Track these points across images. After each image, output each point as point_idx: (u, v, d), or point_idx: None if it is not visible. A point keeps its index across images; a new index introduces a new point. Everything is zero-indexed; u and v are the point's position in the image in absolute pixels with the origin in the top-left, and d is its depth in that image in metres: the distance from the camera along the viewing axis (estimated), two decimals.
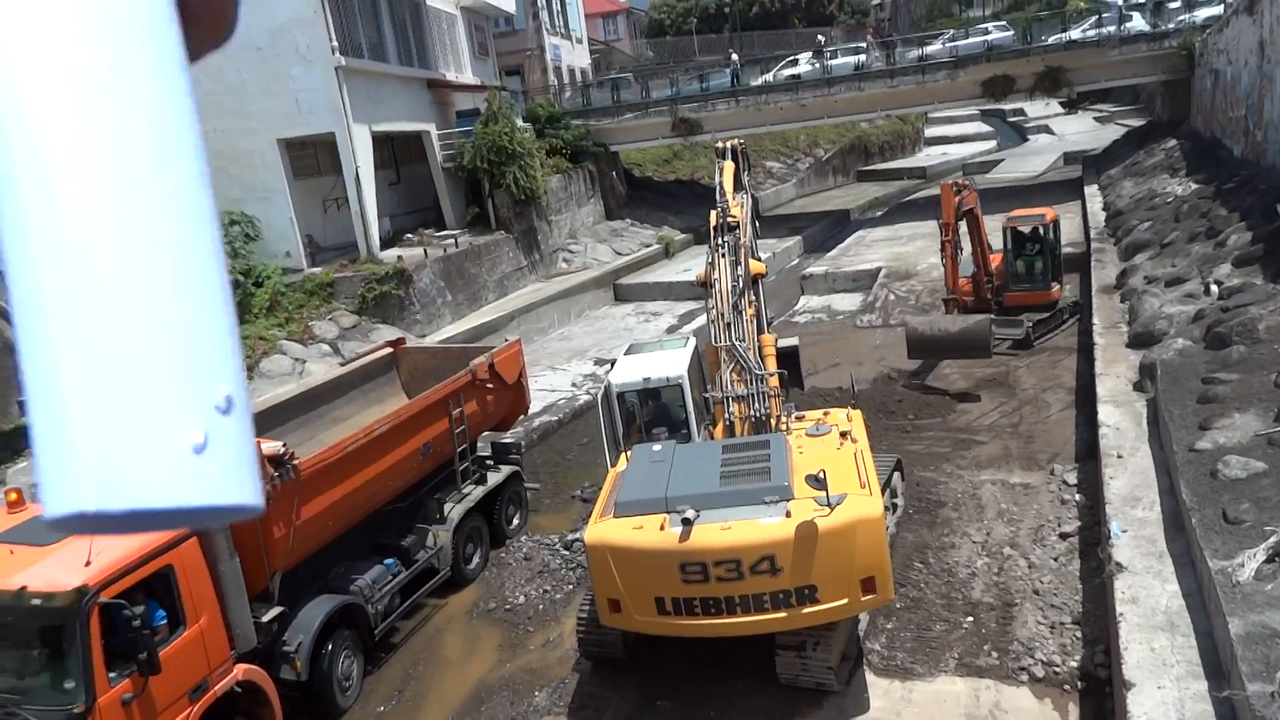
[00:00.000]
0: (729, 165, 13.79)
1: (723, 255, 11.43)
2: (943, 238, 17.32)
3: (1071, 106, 66.68)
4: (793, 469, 8.47)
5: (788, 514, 7.90)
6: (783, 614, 8.01)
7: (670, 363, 11.09)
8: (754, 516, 7.98)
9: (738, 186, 13.46)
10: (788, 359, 11.83)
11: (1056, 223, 18.95)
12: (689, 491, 8.26)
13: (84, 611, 6.92)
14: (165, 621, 7.62)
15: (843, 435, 9.52)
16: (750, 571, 7.85)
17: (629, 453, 9.72)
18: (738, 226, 11.89)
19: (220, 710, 8.10)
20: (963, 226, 17.91)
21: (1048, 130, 60.33)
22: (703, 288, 11.69)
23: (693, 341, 11.97)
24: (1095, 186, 29.76)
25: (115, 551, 7.29)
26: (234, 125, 21.08)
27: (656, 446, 9.44)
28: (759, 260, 12.06)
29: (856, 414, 10.36)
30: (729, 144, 14.53)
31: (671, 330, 22.94)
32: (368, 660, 10.12)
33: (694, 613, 8.10)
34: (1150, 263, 17.59)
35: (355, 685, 9.75)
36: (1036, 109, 64.16)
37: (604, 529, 8.39)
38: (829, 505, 7.87)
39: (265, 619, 8.61)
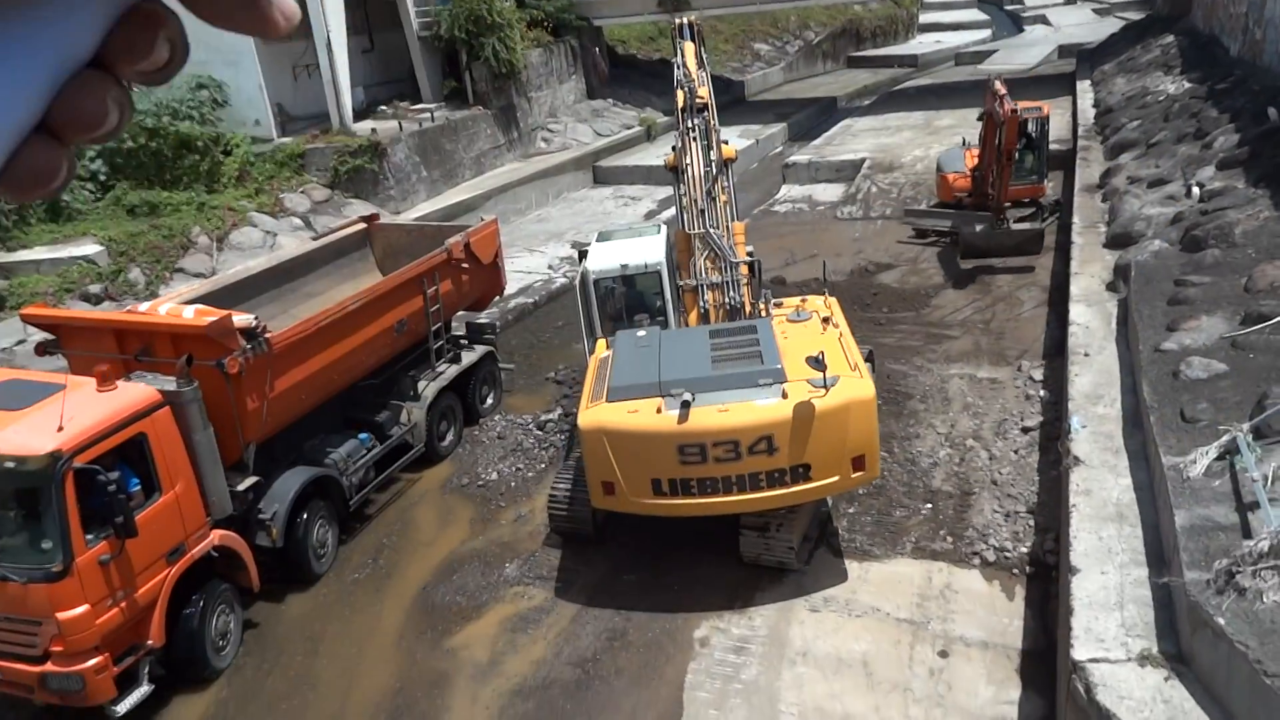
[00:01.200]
0: (689, 45, 13.35)
1: (693, 139, 11.18)
2: (1004, 162, 16.30)
3: None
4: (782, 353, 8.62)
5: (784, 395, 8.13)
6: (777, 492, 8.31)
7: (647, 249, 10.97)
8: (750, 398, 8.19)
9: (699, 65, 13.07)
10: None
11: (1047, 118, 18.62)
12: (682, 375, 8.40)
13: (58, 475, 6.97)
14: (140, 487, 7.70)
15: (824, 321, 9.63)
16: (748, 452, 8.09)
17: (611, 339, 9.73)
18: (706, 108, 11.59)
19: (198, 573, 8.31)
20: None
21: (1045, 21, 58.51)
22: (672, 173, 11.47)
23: (665, 229, 11.82)
24: (1088, 82, 29.15)
25: (87, 418, 7.29)
26: None
27: (640, 332, 9.47)
28: (727, 144, 11.83)
29: (833, 301, 10.42)
30: (685, 20, 14.01)
31: (650, 215, 22.65)
32: (342, 530, 10.35)
33: (690, 493, 8.33)
34: (1135, 163, 17.45)
35: (330, 553, 10.00)
36: None
37: (598, 413, 8.46)
38: (825, 387, 8.07)
39: (241, 488, 8.73)
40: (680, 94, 11.91)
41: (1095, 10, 59.27)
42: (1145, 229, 13.42)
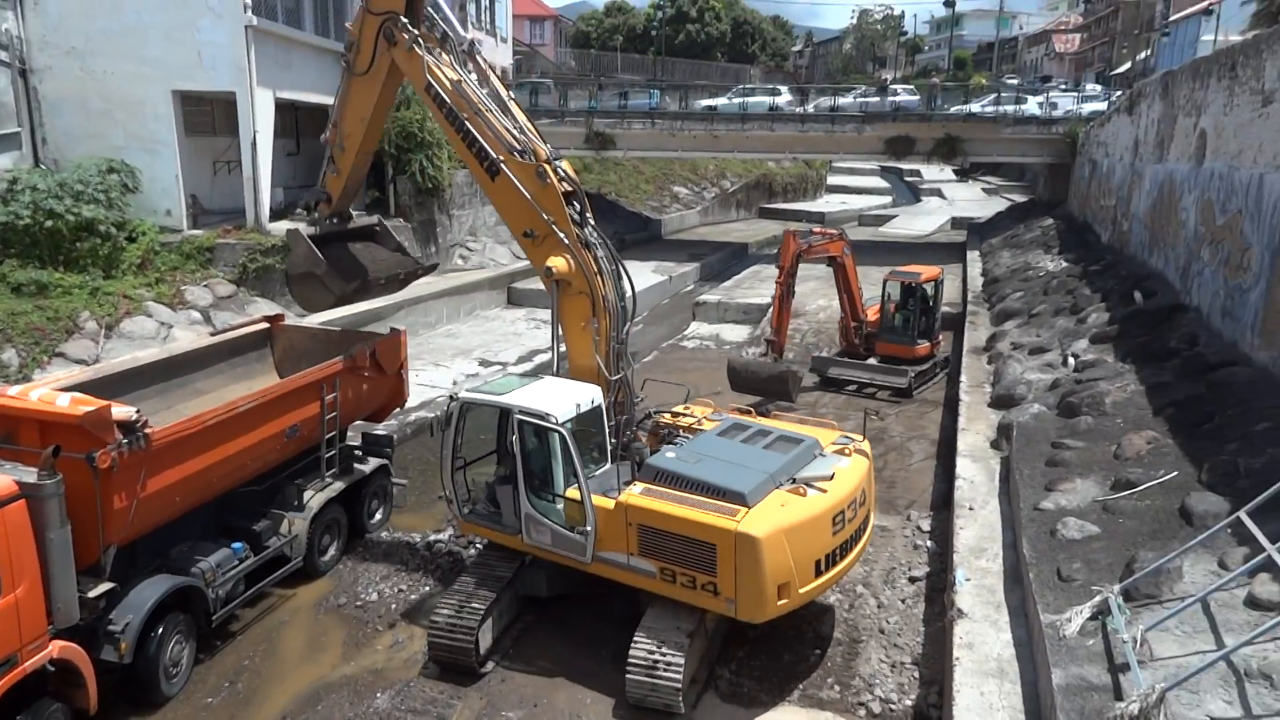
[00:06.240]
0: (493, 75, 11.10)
1: (594, 252, 10.06)
2: (777, 281, 17.50)
3: (964, 175, 70.56)
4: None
5: (847, 454, 9.48)
6: (860, 545, 9.43)
7: (579, 389, 9.96)
8: (833, 464, 9.25)
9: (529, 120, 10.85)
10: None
11: (938, 282, 19.73)
12: (773, 467, 9.01)
13: None
14: None
15: (745, 413, 11.18)
16: (857, 509, 9.17)
17: (626, 463, 9.50)
18: (575, 195, 10.25)
19: (28, 688, 7.49)
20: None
21: (940, 194, 63.52)
22: (556, 284, 10.12)
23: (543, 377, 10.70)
24: (977, 252, 31.46)
25: None
26: (126, 69, 19.87)
27: (670, 454, 9.50)
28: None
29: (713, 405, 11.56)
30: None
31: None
32: (201, 647, 9.58)
33: (834, 562, 8.90)
34: (1018, 330, 18.69)
35: (183, 673, 9.20)
36: (932, 173, 67.47)
37: (754, 521, 8.28)
38: (859, 449, 9.77)
39: (92, 594, 8.04)
40: (552, 174, 10.00)
41: (985, 189, 64.74)
42: (1026, 392, 14.24)
